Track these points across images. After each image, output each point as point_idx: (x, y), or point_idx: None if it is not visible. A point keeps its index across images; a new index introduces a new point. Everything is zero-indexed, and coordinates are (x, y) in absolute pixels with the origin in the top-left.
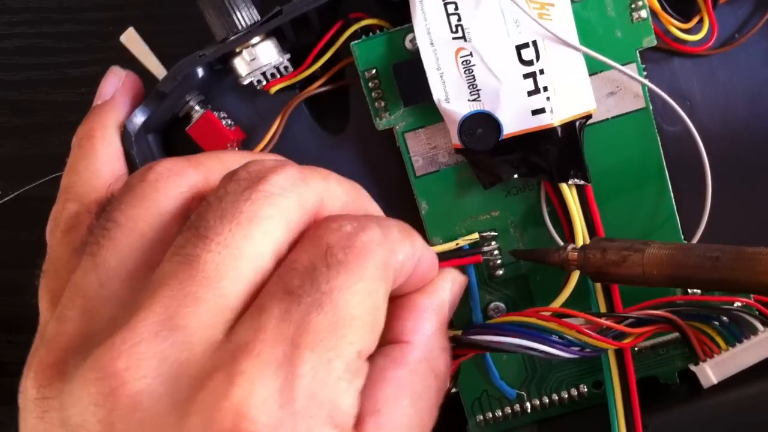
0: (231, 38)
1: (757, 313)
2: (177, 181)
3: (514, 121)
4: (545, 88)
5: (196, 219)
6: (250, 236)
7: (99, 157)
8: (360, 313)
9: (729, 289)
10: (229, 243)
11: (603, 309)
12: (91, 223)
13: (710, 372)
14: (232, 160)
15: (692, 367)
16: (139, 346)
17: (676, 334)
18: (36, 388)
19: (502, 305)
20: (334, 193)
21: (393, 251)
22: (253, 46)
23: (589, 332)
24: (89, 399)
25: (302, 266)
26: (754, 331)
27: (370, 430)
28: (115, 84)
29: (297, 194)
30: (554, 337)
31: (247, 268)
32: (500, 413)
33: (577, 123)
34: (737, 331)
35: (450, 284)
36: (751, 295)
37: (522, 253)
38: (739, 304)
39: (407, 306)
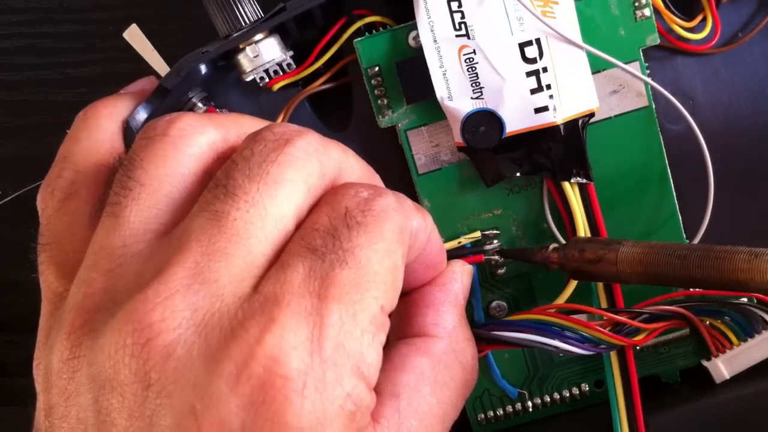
0: (234, 35)
1: (765, 306)
2: (198, 138)
3: (516, 119)
4: (548, 86)
5: (223, 177)
6: (276, 197)
7: (102, 131)
8: (381, 269)
9: (700, 286)
10: (257, 202)
11: (604, 306)
12: (106, 180)
13: (722, 367)
14: (250, 123)
15: (705, 363)
16: (173, 298)
17: (677, 332)
18: (69, 349)
19: (504, 304)
20: (351, 165)
21: (408, 217)
22: (257, 42)
23: (604, 330)
24: (124, 351)
25: (323, 227)
26: (765, 326)
27: (388, 412)
28: (145, 86)
29: (319, 160)
30: (569, 334)
31: (272, 228)
32: (502, 412)
33: (580, 121)
34: (748, 326)
35: (459, 275)
36: None
37: (508, 252)
38: (746, 298)
39: (425, 302)
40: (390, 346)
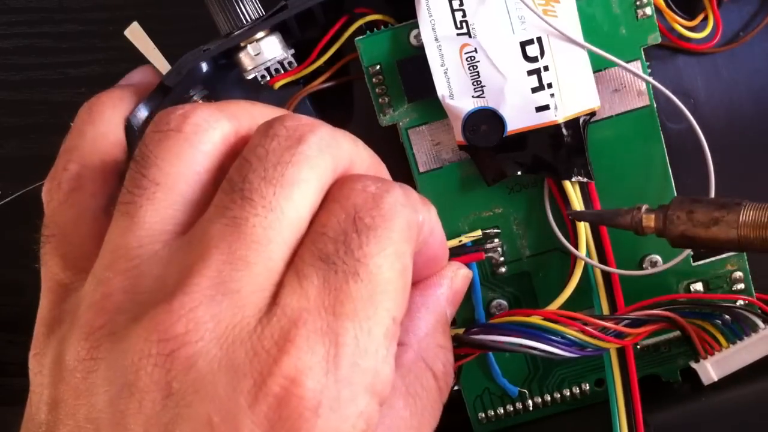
0: (235, 33)
1: (758, 311)
2: (212, 134)
3: (518, 117)
4: (549, 85)
5: (239, 179)
6: (292, 199)
7: (107, 123)
8: (392, 276)
9: None
10: (275, 207)
11: (605, 306)
12: (112, 172)
13: (711, 369)
14: (260, 113)
15: (693, 365)
16: (197, 310)
17: (678, 332)
18: (87, 349)
19: (504, 303)
20: (361, 156)
21: (414, 210)
22: (258, 40)
23: (591, 330)
24: (148, 360)
25: (333, 232)
26: (755, 329)
27: None
28: (142, 76)
29: (331, 156)
30: (556, 337)
31: (289, 231)
32: (502, 411)
33: (581, 120)
34: (738, 329)
35: (447, 280)
36: (754, 293)
37: (584, 214)
38: (741, 302)
39: None
40: None
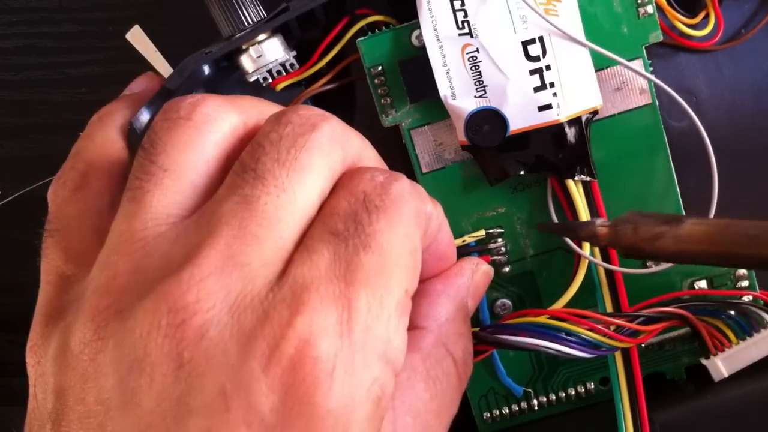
0: (237, 35)
1: (763, 305)
2: (221, 124)
3: (520, 117)
4: (552, 84)
5: (251, 161)
6: (303, 183)
7: (116, 130)
8: (403, 253)
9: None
10: (287, 188)
11: (609, 306)
12: (119, 175)
13: (721, 365)
14: (268, 108)
15: (703, 361)
16: (207, 280)
17: (682, 330)
18: (93, 330)
19: (508, 302)
20: (369, 154)
21: (423, 201)
22: (260, 43)
23: (606, 330)
24: (158, 331)
25: (343, 212)
26: (764, 325)
27: None
28: (146, 84)
29: (342, 146)
30: (571, 337)
31: (300, 213)
32: (507, 410)
33: (584, 119)
34: (747, 325)
35: (468, 271)
36: (758, 291)
37: (547, 226)
38: (748, 297)
39: (423, 293)
40: None
